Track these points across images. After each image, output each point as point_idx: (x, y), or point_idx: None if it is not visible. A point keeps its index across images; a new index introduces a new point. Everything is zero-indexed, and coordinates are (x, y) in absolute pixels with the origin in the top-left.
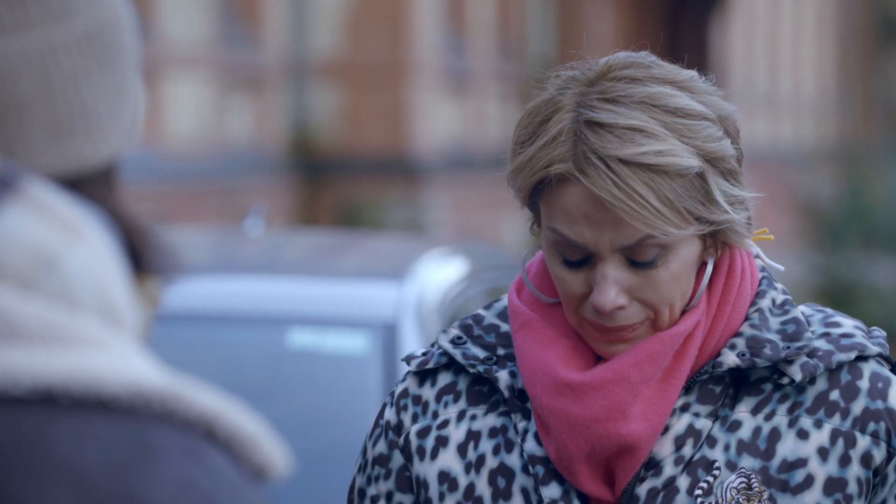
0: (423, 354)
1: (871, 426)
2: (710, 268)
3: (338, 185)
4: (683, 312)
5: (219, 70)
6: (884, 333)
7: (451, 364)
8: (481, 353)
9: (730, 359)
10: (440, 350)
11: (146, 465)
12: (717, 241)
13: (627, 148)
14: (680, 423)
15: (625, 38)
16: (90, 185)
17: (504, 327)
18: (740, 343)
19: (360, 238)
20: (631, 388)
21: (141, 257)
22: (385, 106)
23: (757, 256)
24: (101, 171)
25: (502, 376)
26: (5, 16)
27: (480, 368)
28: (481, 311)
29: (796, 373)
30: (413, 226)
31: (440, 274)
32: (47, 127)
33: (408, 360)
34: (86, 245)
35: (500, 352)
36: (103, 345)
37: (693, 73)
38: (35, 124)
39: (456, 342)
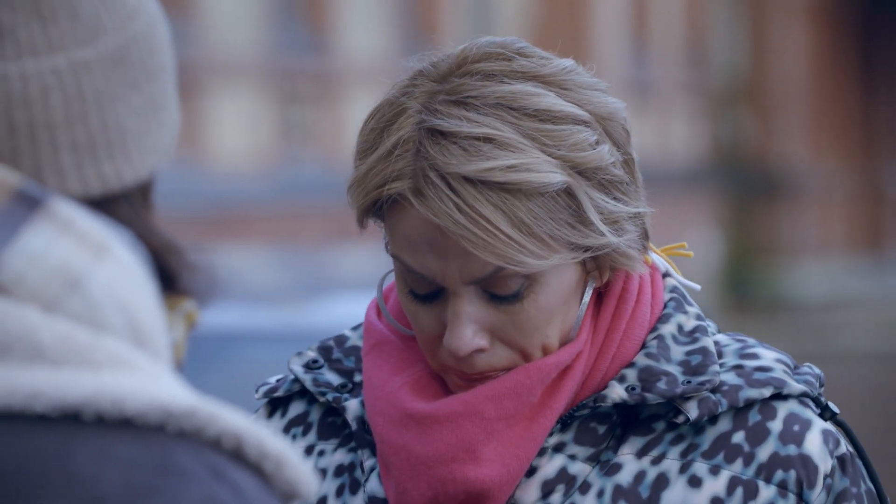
0: (277, 381)
1: (779, 475)
2: (587, 296)
3: None
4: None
5: None
6: (818, 372)
7: (305, 391)
8: (336, 380)
9: (616, 392)
10: (293, 376)
11: (170, 484)
12: (601, 264)
13: (473, 163)
14: (551, 466)
15: (816, 48)
16: (121, 204)
17: None
18: (631, 375)
19: None
20: (484, 424)
21: (176, 277)
22: None
23: (666, 274)
24: (133, 189)
25: (352, 406)
26: (35, 37)
27: (330, 397)
28: (347, 332)
29: (692, 410)
30: None
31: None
32: (75, 147)
33: (259, 387)
34: (112, 265)
35: (358, 378)
36: (129, 364)
37: (569, 63)
38: (63, 145)
39: (310, 366)
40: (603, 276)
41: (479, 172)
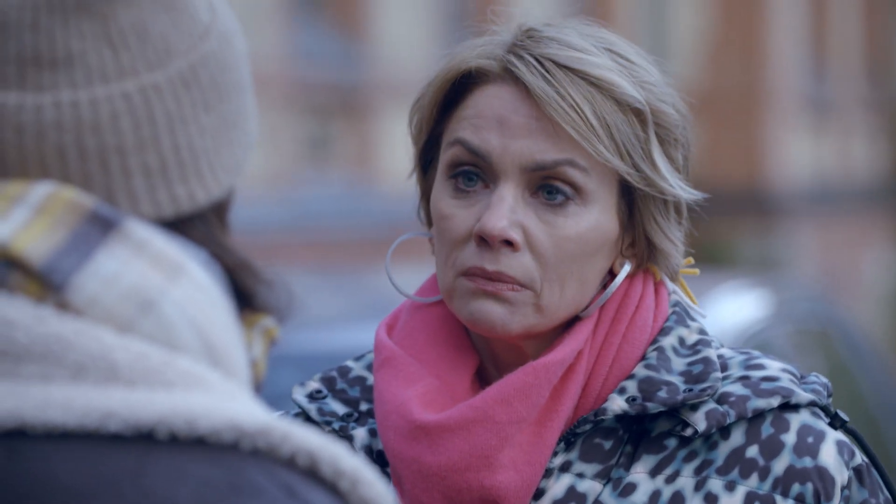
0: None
1: (796, 488)
2: (623, 272)
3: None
4: (568, 331)
5: None
6: (824, 381)
7: (309, 421)
8: (341, 409)
9: (616, 404)
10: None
11: (243, 503)
12: (637, 250)
13: (568, 57)
14: (558, 486)
15: None
16: (195, 224)
17: (372, 380)
18: (631, 386)
19: None
20: (497, 429)
21: (252, 295)
22: (741, 138)
23: (673, 293)
24: (208, 207)
25: (359, 434)
26: (106, 63)
27: (336, 426)
28: (349, 363)
29: (700, 421)
30: (767, 263)
31: (731, 309)
32: (146, 171)
33: None
34: (186, 285)
35: (364, 407)
36: (202, 383)
37: None
38: (134, 169)
39: (314, 396)
40: (635, 260)
41: (573, 63)
